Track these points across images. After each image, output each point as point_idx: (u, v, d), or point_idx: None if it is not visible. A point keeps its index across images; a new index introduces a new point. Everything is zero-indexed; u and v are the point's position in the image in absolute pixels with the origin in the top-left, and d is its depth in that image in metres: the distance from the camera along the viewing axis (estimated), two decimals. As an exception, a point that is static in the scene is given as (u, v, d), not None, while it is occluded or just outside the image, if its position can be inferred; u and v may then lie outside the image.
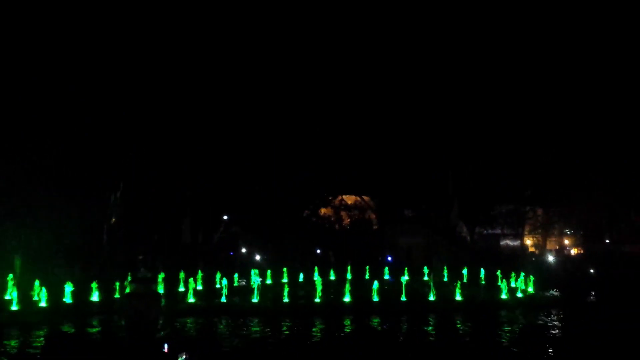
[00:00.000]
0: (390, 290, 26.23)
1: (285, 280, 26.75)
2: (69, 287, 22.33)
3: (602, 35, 51.00)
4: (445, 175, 45.53)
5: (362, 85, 51.58)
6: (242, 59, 48.23)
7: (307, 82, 49.87)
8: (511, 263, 35.63)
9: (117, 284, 23.62)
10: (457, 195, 44.22)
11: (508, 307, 23.78)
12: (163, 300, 17.12)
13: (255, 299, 23.59)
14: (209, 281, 27.84)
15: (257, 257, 43.41)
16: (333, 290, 26.09)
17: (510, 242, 59.25)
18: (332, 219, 55.50)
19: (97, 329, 19.35)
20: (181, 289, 25.74)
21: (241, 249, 45.82)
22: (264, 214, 47.61)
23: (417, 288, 27.07)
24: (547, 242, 59.11)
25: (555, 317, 21.84)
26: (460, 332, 19.28)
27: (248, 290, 25.64)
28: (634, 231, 52.68)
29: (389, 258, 41.06)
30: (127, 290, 18.94)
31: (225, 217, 49.39)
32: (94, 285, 23.07)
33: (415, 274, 32.07)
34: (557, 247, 59.14)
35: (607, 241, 54.08)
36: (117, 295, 23.12)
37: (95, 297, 22.98)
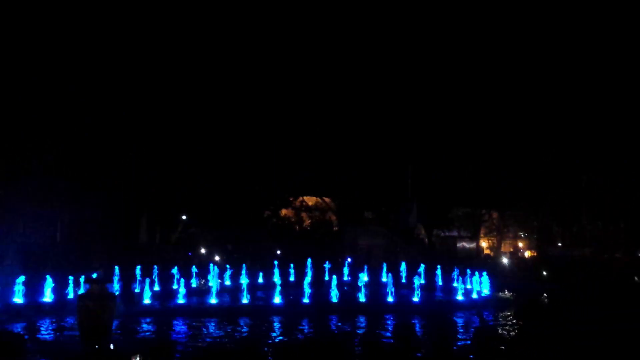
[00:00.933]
0: (349, 291, 26.40)
1: (245, 281, 26.54)
2: (19, 287, 21.64)
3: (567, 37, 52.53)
4: (404, 178, 46.18)
5: (324, 86, 51.81)
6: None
7: (265, 81, 49.81)
8: (467, 265, 36.30)
9: (71, 284, 23.01)
10: (416, 197, 44.93)
11: (464, 308, 24.25)
12: (118, 301, 16.76)
13: (213, 300, 23.38)
14: (165, 282, 27.39)
15: (217, 258, 42.97)
16: (292, 291, 26.07)
17: (466, 244, 60.50)
18: (293, 219, 55.54)
19: (48, 330, 18.76)
20: (137, 289, 25.22)
21: (200, 249, 45.27)
22: (224, 214, 47.23)
23: (375, 289, 27.33)
24: (502, 245, 60.62)
25: (509, 318, 22.37)
26: (416, 333, 19.50)
27: (206, 291, 25.36)
28: (584, 235, 54.60)
29: (349, 259, 41.27)
30: (81, 291, 18.47)
31: (184, 217, 48.73)
32: (47, 285, 22.45)
33: (375, 275, 32.37)
34: (512, 250, 60.70)
35: (560, 244, 55.87)
36: (70, 296, 22.51)
37: (47, 297, 22.34)
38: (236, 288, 27.00)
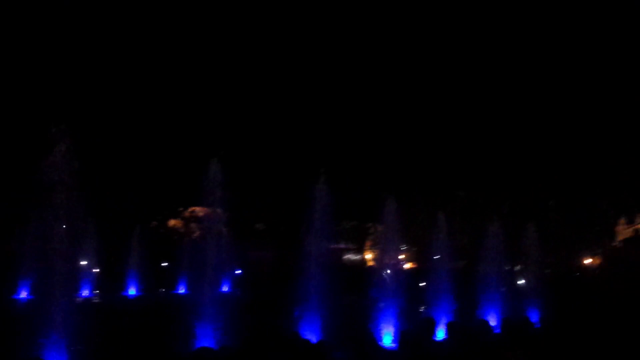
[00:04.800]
0: (240, 304, 26.38)
1: (132, 293, 25.66)
2: None
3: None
4: (296, 190, 46.83)
5: (219, 92, 51.46)
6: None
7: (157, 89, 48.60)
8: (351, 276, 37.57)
9: None
10: (306, 209, 45.64)
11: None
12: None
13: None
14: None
15: (95, 271, 40.84)
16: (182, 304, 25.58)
17: (352, 256, 62.41)
18: (182, 230, 54.13)
19: None
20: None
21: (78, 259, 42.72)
22: (103, 223, 44.99)
23: (265, 300, 27.55)
24: (386, 257, 63.13)
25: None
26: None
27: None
28: (458, 248, 58.43)
29: (239, 271, 41.13)
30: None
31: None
32: None
33: (263, 287, 32.56)
34: (394, 262, 63.42)
35: (437, 257, 59.28)
36: None
37: None
38: (120, 301, 26.01)
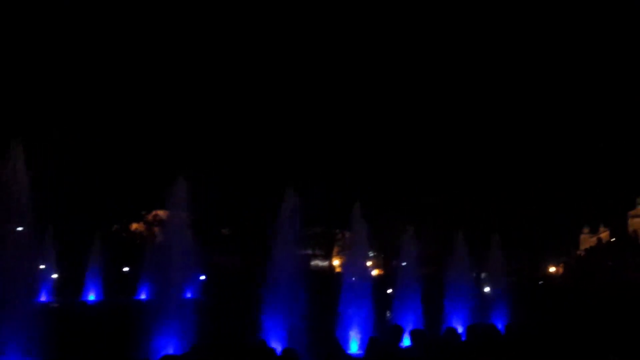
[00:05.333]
0: (204, 310, 25.71)
1: (91, 298, 24.78)
2: None
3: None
4: (264, 195, 46.39)
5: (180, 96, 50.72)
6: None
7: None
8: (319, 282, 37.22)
9: None
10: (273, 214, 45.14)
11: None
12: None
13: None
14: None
15: (54, 276, 39.48)
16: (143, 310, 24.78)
17: (320, 262, 62.16)
18: (145, 234, 52.91)
19: None
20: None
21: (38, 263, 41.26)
22: (63, 226, 43.62)
23: (230, 307, 27.00)
24: (353, 264, 63.05)
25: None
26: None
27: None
28: (425, 256, 58.76)
29: (203, 277, 40.30)
30: None
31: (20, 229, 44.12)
32: None
33: (228, 294, 31.94)
34: (361, 268, 63.37)
35: (404, 263, 59.49)
36: None
37: None
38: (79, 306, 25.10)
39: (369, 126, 55.84)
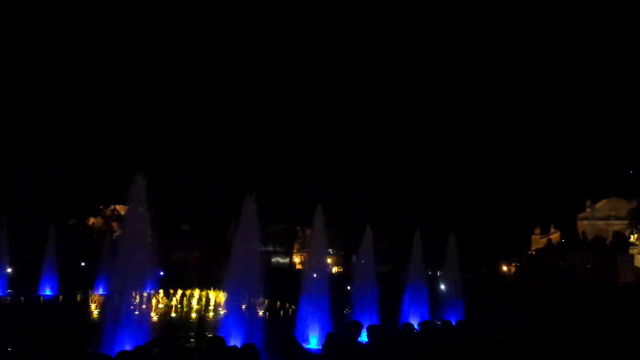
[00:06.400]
0: (164, 306, 25.69)
1: (47, 293, 24.38)
2: None
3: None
4: (226, 191, 46.32)
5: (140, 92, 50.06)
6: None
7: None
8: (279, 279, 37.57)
9: None
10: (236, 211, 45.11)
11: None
12: None
13: None
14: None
15: (9, 270, 38.52)
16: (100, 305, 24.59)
17: (280, 260, 62.39)
18: (102, 229, 52.02)
19: None
20: None
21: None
22: (18, 220, 42.54)
23: (187, 304, 27.01)
24: (313, 261, 63.53)
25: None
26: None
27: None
28: (384, 253, 59.75)
29: (161, 273, 40.02)
30: None
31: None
32: None
33: (188, 290, 31.89)
34: (321, 266, 63.89)
35: (363, 262, 60.29)
36: None
37: None
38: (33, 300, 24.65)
39: (330, 125, 56.40)
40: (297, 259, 65.54)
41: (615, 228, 69.06)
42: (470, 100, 60.53)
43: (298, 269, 60.49)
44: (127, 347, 18.41)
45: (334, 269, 63.31)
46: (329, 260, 67.01)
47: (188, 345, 21.56)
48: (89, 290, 30.00)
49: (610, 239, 60.65)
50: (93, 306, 28.64)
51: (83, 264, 40.69)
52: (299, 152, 54.43)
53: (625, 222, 68.45)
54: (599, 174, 62.65)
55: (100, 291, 30.31)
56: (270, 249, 60.80)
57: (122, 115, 48.42)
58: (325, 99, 56.73)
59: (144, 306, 22.61)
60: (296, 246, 63.01)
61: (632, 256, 56.94)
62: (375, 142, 57.14)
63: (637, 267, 55.90)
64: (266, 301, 29.35)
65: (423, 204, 58.82)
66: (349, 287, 41.78)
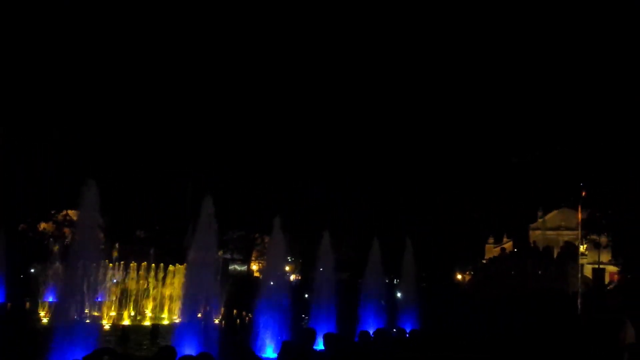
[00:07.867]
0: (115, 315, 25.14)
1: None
2: None
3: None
4: (183, 198, 45.75)
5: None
6: None
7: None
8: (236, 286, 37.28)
9: None
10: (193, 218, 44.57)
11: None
12: None
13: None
14: None
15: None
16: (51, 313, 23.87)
17: (238, 267, 61.84)
18: (54, 234, 50.45)
19: None
20: None
21: None
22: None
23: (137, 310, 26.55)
24: (271, 268, 63.24)
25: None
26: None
27: None
28: (342, 261, 60.01)
29: (114, 280, 39.09)
30: None
31: None
32: None
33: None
34: (279, 273, 63.65)
35: (321, 269, 60.39)
36: None
37: None
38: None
39: (286, 132, 56.50)
40: (255, 267, 65.14)
41: (566, 238, 71.25)
42: (429, 104, 61.68)
43: (256, 277, 60.06)
44: (77, 356, 17.91)
45: (292, 277, 63.12)
46: (287, 268, 66.86)
47: (138, 354, 21.10)
48: (38, 298, 29.11)
49: (559, 249, 62.55)
50: (42, 314, 27.77)
51: (32, 270, 39.36)
52: (258, 157, 54.26)
53: (576, 232, 70.74)
54: (550, 184, 64.66)
55: (50, 299, 29.41)
56: (228, 256, 60.26)
57: (74, 116, 47.23)
58: (286, 105, 56.84)
59: (95, 313, 22.07)
60: (255, 253, 62.62)
61: (582, 266, 58.90)
62: (333, 148, 57.53)
63: (586, 276, 57.81)
64: (222, 309, 29.05)
65: (380, 212, 59.44)
66: (307, 295, 41.78)
